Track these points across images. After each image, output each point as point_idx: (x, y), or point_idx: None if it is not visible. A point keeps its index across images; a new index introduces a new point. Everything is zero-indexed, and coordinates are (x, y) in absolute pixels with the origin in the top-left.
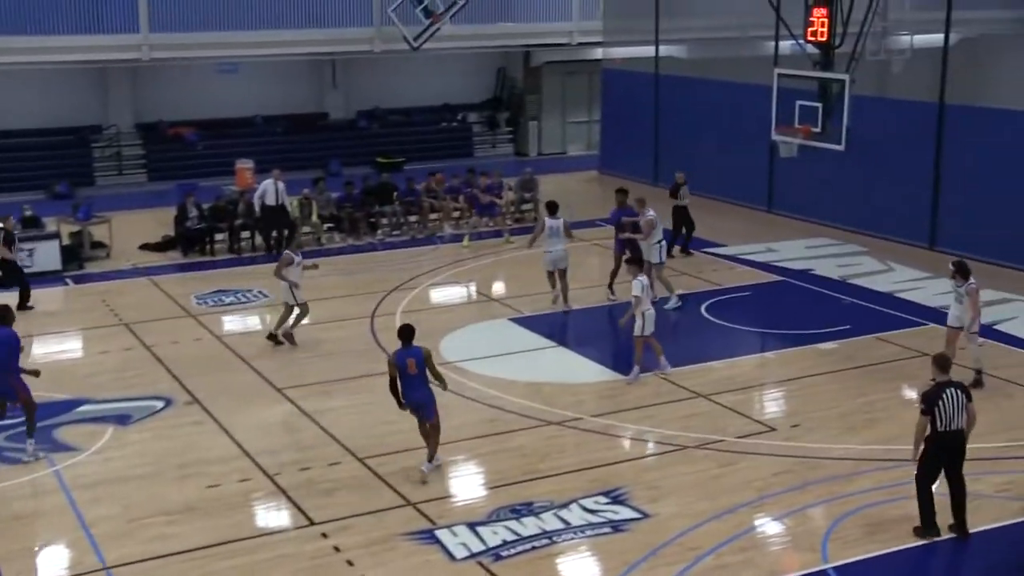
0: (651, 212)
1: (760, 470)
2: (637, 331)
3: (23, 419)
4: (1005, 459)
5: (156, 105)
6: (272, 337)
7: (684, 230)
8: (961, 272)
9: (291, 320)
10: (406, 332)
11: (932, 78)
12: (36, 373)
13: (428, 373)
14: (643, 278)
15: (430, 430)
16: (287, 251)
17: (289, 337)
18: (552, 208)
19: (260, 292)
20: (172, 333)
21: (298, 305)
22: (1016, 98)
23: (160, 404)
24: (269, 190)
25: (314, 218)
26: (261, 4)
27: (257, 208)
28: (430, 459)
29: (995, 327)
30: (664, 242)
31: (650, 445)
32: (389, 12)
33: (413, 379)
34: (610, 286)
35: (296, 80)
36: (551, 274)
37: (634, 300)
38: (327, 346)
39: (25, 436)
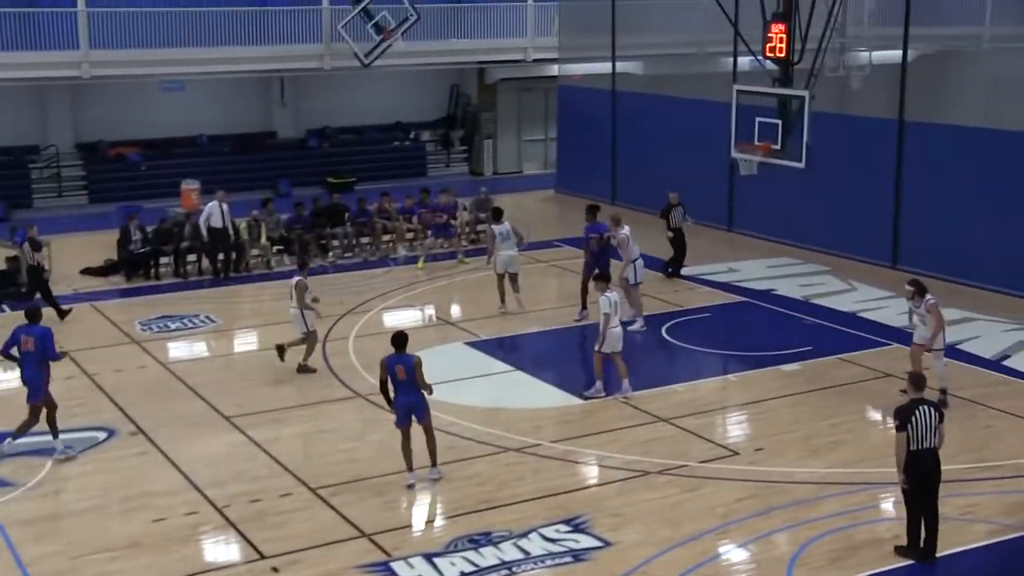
0: (625, 230)
1: (723, 495)
2: (597, 346)
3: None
4: (969, 480)
5: (97, 124)
6: (304, 368)
7: (675, 254)
8: (918, 290)
9: (297, 344)
10: (399, 339)
11: (891, 95)
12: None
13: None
14: (612, 294)
15: (424, 432)
16: (300, 278)
17: (303, 366)
18: (497, 215)
19: (207, 317)
20: (115, 361)
21: (309, 333)
22: (974, 115)
23: (103, 435)
24: (215, 212)
25: (263, 240)
26: (207, 20)
27: (204, 231)
28: (433, 464)
29: (957, 347)
30: (640, 261)
31: (611, 471)
32: (339, 28)
33: (403, 384)
34: (583, 305)
35: (243, 98)
36: (501, 277)
37: (603, 318)
38: (278, 372)
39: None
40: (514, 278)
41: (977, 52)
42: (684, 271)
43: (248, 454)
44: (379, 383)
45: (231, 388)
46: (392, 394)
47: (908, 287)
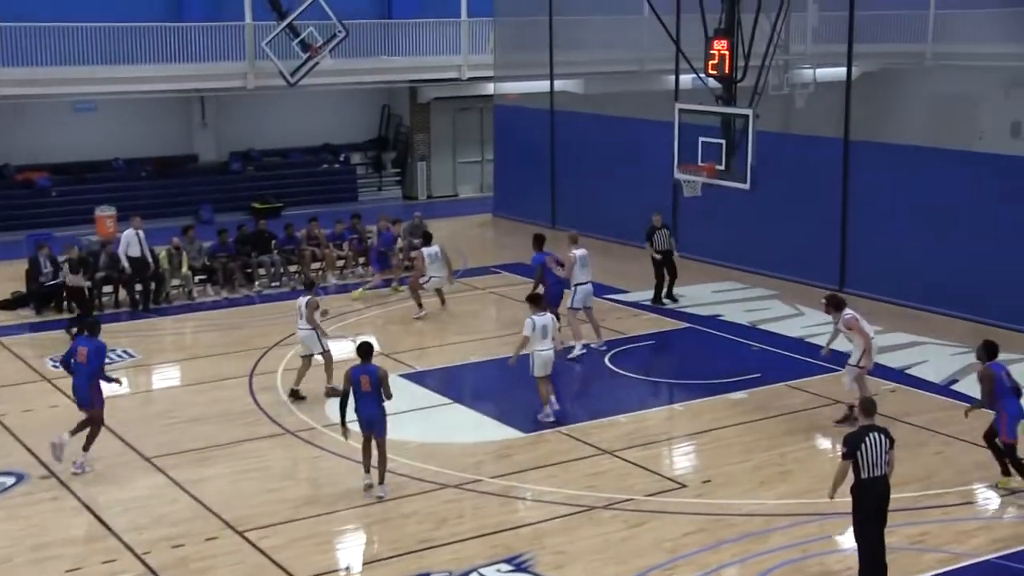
0: (578, 251)
1: (671, 529)
2: (531, 371)
3: None
4: (918, 509)
5: (3, 147)
6: (295, 394)
7: (667, 277)
8: (835, 305)
9: (307, 372)
10: (365, 349)
11: (836, 113)
12: (118, 381)
13: (381, 392)
14: (537, 317)
15: (377, 448)
16: (312, 297)
17: (331, 389)
18: (427, 238)
19: (125, 352)
20: (25, 400)
21: (325, 352)
22: (918, 133)
23: (11, 480)
24: (132, 240)
25: (184, 269)
26: (122, 36)
27: (124, 261)
28: (381, 481)
29: (906, 371)
30: (587, 287)
31: (554, 507)
32: (263, 45)
33: (366, 396)
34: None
35: (162, 119)
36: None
37: (521, 339)
38: (201, 409)
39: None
40: (441, 295)
41: (920, 70)
42: (626, 297)
43: (170, 496)
44: (341, 395)
45: (151, 427)
46: (353, 406)
47: (822, 301)
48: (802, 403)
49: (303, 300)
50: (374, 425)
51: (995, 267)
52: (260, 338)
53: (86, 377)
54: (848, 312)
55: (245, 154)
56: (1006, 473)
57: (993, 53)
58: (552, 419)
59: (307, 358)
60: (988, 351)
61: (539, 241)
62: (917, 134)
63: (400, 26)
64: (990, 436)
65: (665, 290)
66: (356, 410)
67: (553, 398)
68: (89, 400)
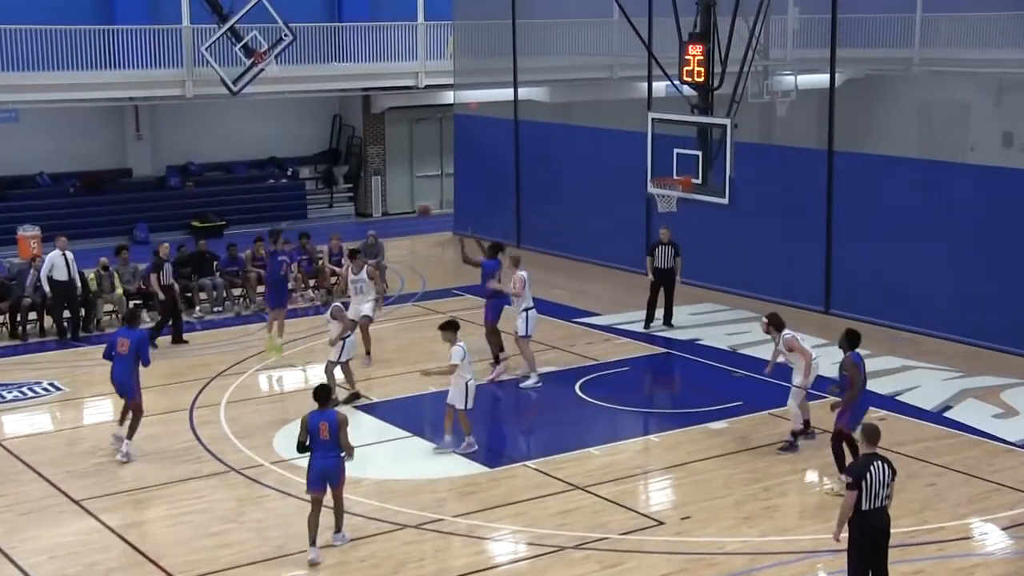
0: (522, 273)
1: (648, 570)
2: (460, 404)
3: None
4: (912, 545)
5: None
6: (355, 396)
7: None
8: (774, 325)
9: (343, 376)
10: (322, 393)
11: (819, 122)
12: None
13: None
14: (463, 344)
15: (334, 498)
16: (337, 304)
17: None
18: (495, 250)
19: (51, 385)
20: None
21: (341, 364)
22: (906, 144)
23: None
24: (58, 263)
25: (117, 292)
26: (47, 39)
27: (46, 285)
28: (338, 529)
29: (896, 398)
30: (534, 312)
31: (522, 547)
32: (202, 50)
33: (324, 444)
34: (495, 359)
35: (91, 130)
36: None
37: (453, 368)
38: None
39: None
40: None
41: (907, 76)
42: (598, 320)
43: (102, 543)
44: (297, 444)
45: (80, 467)
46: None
47: (763, 320)
48: (787, 433)
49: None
50: (329, 477)
51: (989, 286)
52: (201, 368)
53: (126, 366)
54: (788, 332)
55: (184, 168)
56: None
57: (982, 59)
58: (475, 447)
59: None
60: (851, 340)
61: (495, 249)
62: (905, 145)
63: (352, 30)
64: (837, 438)
65: (663, 315)
66: (311, 462)
67: (449, 438)
68: (131, 389)
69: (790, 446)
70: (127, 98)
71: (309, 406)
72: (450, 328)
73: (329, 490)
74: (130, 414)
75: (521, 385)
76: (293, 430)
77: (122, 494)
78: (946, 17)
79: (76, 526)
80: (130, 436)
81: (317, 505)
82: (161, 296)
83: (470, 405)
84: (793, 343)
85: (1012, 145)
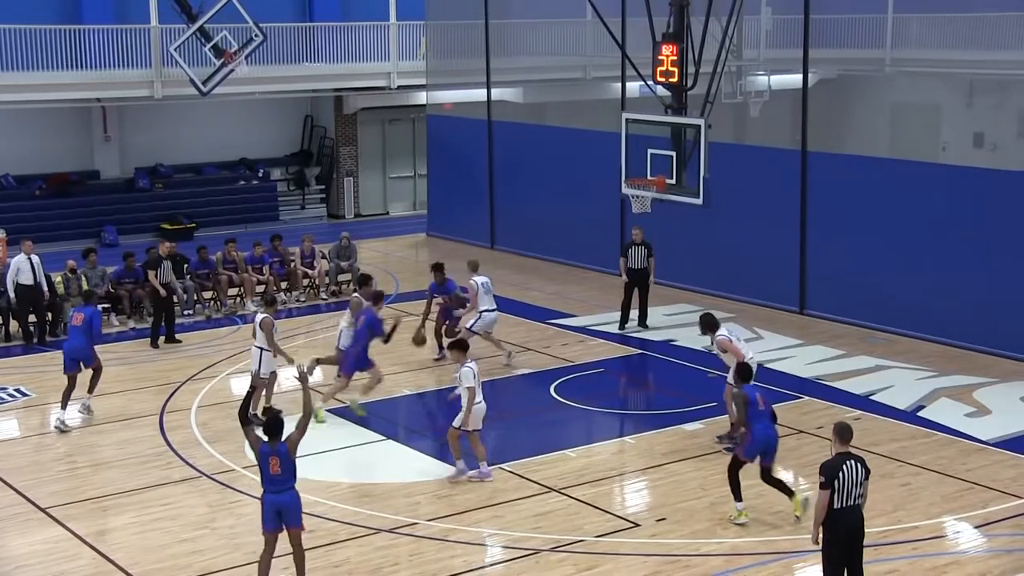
0: (480, 279)
1: (624, 572)
2: (457, 423)
3: None
4: (886, 545)
5: None
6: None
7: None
8: (708, 326)
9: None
10: (274, 426)
11: (792, 122)
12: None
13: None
14: (473, 364)
15: (291, 541)
16: (268, 316)
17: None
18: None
19: (17, 391)
20: None
21: (262, 377)
22: (879, 144)
23: None
24: (23, 267)
25: None
26: (12, 39)
27: (11, 290)
28: None
29: (871, 398)
30: (490, 315)
31: (497, 550)
32: (171, 50)
33: (275, 479)
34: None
35: (58, 132)
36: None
37: (466, 392)
38: (106, 452)
39: None
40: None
41: (879, 76)
42: (572, 322)
43: (70, 551)
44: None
45: (48, 474)
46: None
47: (699, 319)
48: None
49: (259, 318)
50: (285, 514)
51: (962, 286)
52: (172, 372)
53: (80, 338)
54: (721, 332)
55: (153, 170)
56: (738, 498)
57: (953, 60)
58: (467, 474)
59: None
60: (741, 375)
61: (440, 270)
62: (878, 145)
63: (323, 30)
64: (733, 465)
65: (638, 316)
66: (264, 496)
67: (485, 464)
68: (92, 358)
69: (729, 439)
70: (94, 99)
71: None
72: (458, 348)
73: (287, 533)
74: (90, 375)
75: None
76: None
77: (90, 501)
78: (917, 18)
79: (44, 534)
80: (91, 391)
81: (269, 547)
82: (163, 293)
83: (467, 427)
84: (726, 343)
85: (983, 146)
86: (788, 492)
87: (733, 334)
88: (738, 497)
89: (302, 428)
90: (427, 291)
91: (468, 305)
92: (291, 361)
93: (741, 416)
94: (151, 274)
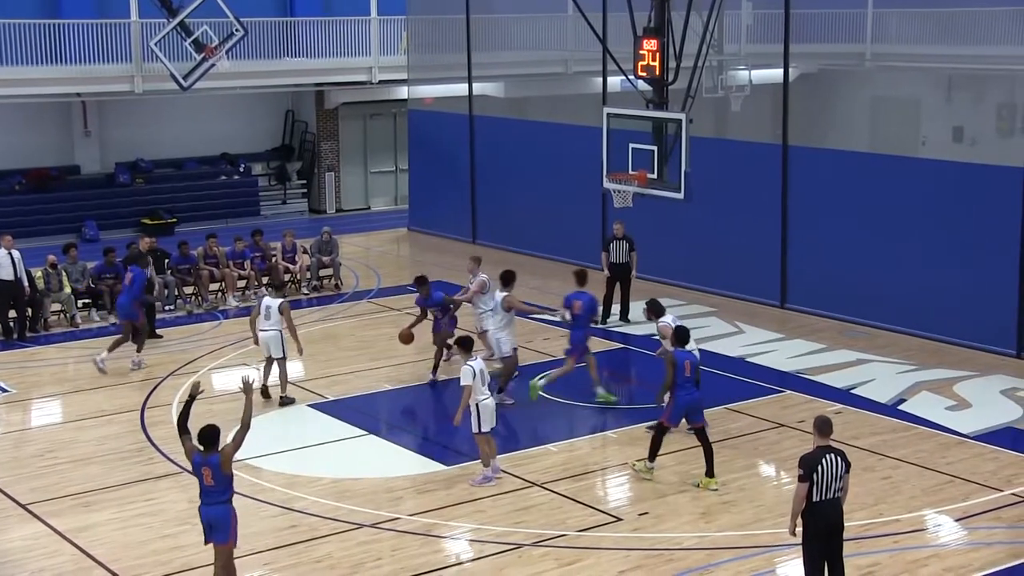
0: (481, 276)
1: (606, 567)
2: (475, 427)
3: None
4: (868, 538)
5: None
6: (265, 391)
7: (621, 296)
8: (654, 312)
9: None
10: (208, 435)
11: (773, 117)
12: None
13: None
14: (476, 362)
15: (216, 556)
16: (285, 300)
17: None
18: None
19: None
20: None
21: (282, 359)
22: (859, 138)
23: None
24: (3, 262)
25: (66, 290)
26: None
27: None
28: None
29: (852, 391)
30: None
31: (480, 545)
32: (151, 45)
33: (208, 491)
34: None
35: (38, 127)
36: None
37: (464, 390)
38: (87, 448)
39: None
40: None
41: (860, 71)
42: (555, 317)
43: (50, 548)
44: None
45: (28, 470)
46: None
47: (644, 307)
48: (743, 427)
49: (275, 303)
50: (215, 527)
51: (942, 280)
52: (153, 367)
53: (127, 297)
54: (664, 320)
55: (133, 165)
56: (710, 474)
57: (932, 55)
58: (492, 480)
59: (270, 360)
60: (679, 338)
61: (423, 283)
62: (858, 139)
63: (304, 24)
64: (659, 429)
65: (620, 310)
66: (200, 512)
67: (495, 462)
68: (136, 315)
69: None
70: (74, 94)
71: (262, 405)
72: (462, 345)
73: (215, 548)
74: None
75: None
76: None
77: (71, 497)
78: (897, 13)
79: (23, 531)
80: (138, 349)
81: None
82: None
83: (484, 428)
84: (666, 330)
85: (962, 140)
86: (709, 460)
87: (676, 323)
88: (652, 458)
89: (237, 441)
90: (416, 304)
91: (463, 295)
92: (301, 352)
93: (669, 376)
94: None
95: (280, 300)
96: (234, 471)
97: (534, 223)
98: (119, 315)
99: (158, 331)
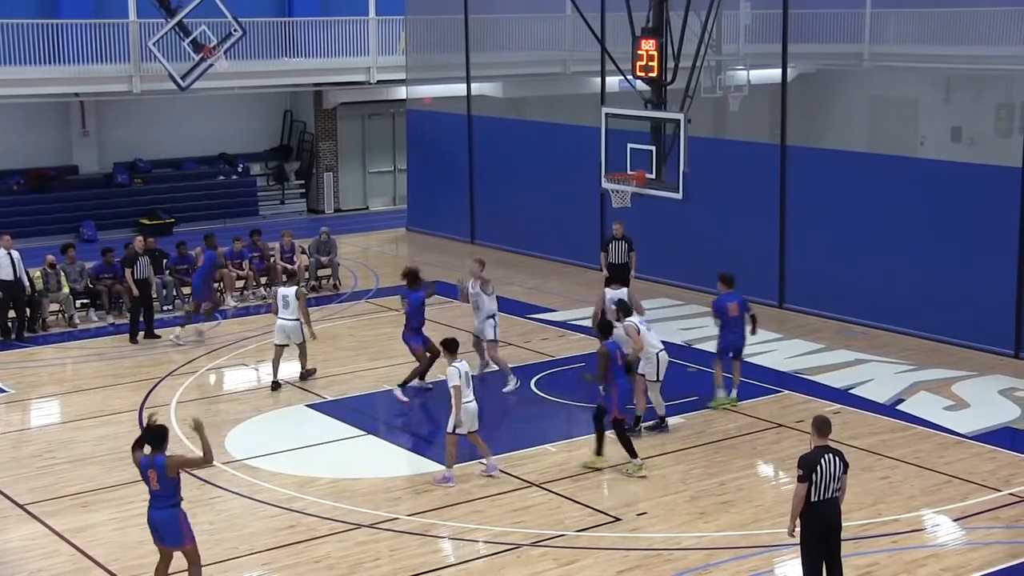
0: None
1: (605, 567)
2: (450, 427)
3: None
4: (866, 538)
5: None
6: (276, 385)
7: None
8: (621, 310)
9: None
10: (155, 435)
11: (772, 117)
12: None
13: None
14: (461, 364)
15: (186, 559)
16: (300, 287)
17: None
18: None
19: None
20: None
21: (303, 343)
22: (858, 138)
23: None
24: (3, 262)
25: (64, 290)
26: None
27: None
28: None
29: (850, 391)
30: (498, 316)
31: (478, 546)
32: (150, 45)
33: (155, 494)
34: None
35: (36, 127)
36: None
37: (452, 392)
38: (85, 448)
39: None
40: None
41: (858, 71)
42: (553, 316)
43: (49, 548)
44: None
45: (26, 470)
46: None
47: (613, 305)
48: (741, 427)
49: (291, 291)
50: (162, 532)
51: (940, 280)
52: (151, 367)
53: (199, 278)
54: (631, 320)
55: (131, 165)
56: (633, 455)
57: (930, 55)
58: (451, 484)
59: (281, 347)
60: (603, 331)
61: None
62: (856, 139)
63: (302, 25)
64: (600, 416)
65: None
66: (147, 514)
67: (491, 459)
68: (209, 295)
69: (650, 426)
70: (72, 94)
71: (261, 405)
72: (447, 347)
73: (181, 552)
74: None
75: (504, 391)
76: (247, 429)
77: (69, 497)
78: (895, 13)
79: (21, 531)
80: (183, 325)
81: (164, 559)
82: (135, 292)
83: (460, 429)
84: (630, 330)
85: (960, 140)
86: (599, 442)
87: (643, 325)
88: (632, 455)
89: (193, 464)
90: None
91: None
92: (314, 337)
93: (601, 370)
94: (127, 271)
95: (295, 288)
96: (234, 471)
97: (532, 223)
98: (193, 295)
99: (156, 331)
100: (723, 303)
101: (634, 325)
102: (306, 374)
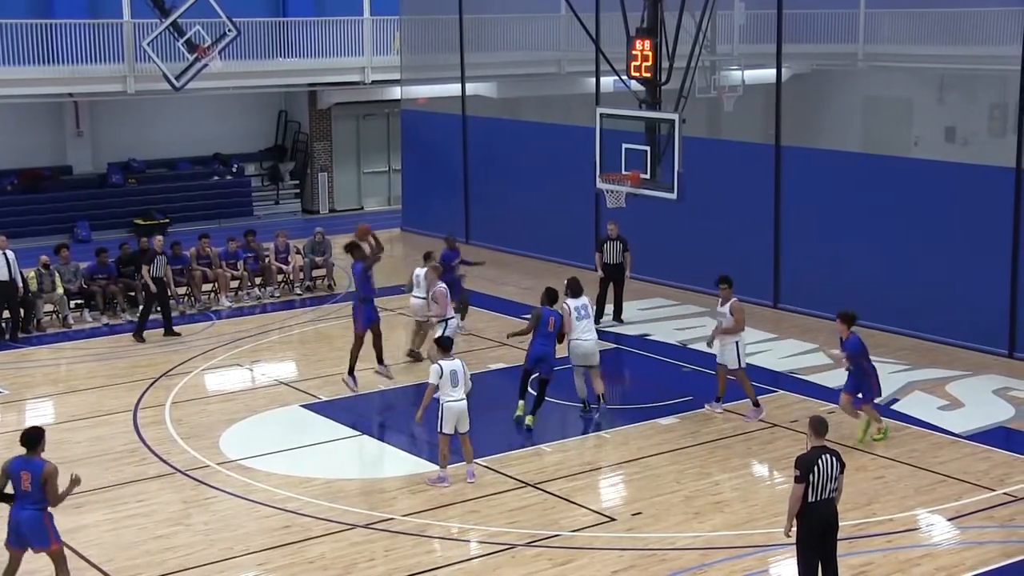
0: (442, 286)
1: (600, 567)
2: (438, 426)
3: None
4: (860, 538)
5: None
6: (414, 355)
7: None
8: (571, 288)
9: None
10: (31, 437)
11: (766, 117)
12: None
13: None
14: (444, 362)
15: (53, 562)
16: (431, 265)
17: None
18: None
19: None
20: None
21: (428, 320)
22: (852, 138)
23: None
24: None
25: (58, 291)
26: None
27: None
28: None
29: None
30: (453, 321)
31: (473, 546)
32: (144, 45)
33: (24, 495)
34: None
35: (30, 127)
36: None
37: (428, 388)
38: (80, 448)
39: None
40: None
41: (852, 71)
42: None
43: None
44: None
45: None
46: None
47: (565, 282)
48: (736, 427)
49: (423, 271)
50: (25, 533)
51: (935, 280)
52: (146, 368)
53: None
54: (567, 302)
55: (125, 165)
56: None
57: (925, 55)
58: (446, 484)
59: (420, 324)
60: (550, 297)
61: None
62: (851, 139)
63: (297, 25)
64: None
65: (613, 310)
66: (10, 514)
67: (472, 467)
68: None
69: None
70: (66, 94)
71: (256, 405)
72: (440, 345)
73: (43, 553)
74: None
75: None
76: (240, 431)
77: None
78: (889, 13)
79: None
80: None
81: (13, 563)
82: (153, 289)
83: (445, 429)
84: (565, 311)
85: (954, 140)
86: (536, 405)
87: (574, 306)
88: (522, 396)
89: (53, 492)
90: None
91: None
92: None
93: (528, 326)
94: (145, 269)
95: (427, 267)
96: (229, 472)
97: (527, 223)
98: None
99: (146, 333)
100: (856, 347)
101: (568, 308)
102: (416, 356)
